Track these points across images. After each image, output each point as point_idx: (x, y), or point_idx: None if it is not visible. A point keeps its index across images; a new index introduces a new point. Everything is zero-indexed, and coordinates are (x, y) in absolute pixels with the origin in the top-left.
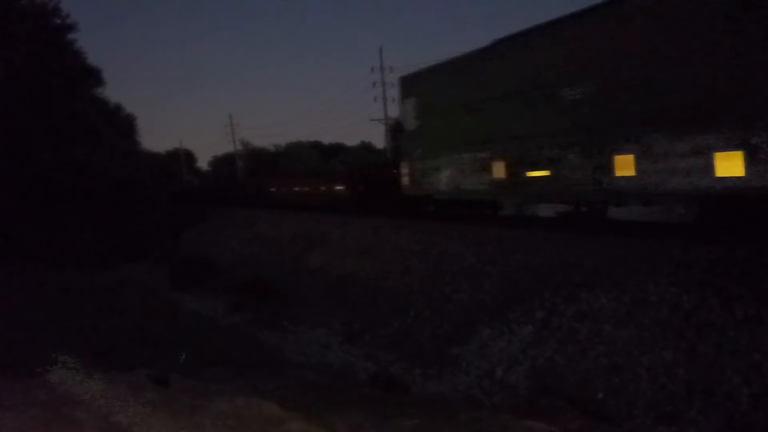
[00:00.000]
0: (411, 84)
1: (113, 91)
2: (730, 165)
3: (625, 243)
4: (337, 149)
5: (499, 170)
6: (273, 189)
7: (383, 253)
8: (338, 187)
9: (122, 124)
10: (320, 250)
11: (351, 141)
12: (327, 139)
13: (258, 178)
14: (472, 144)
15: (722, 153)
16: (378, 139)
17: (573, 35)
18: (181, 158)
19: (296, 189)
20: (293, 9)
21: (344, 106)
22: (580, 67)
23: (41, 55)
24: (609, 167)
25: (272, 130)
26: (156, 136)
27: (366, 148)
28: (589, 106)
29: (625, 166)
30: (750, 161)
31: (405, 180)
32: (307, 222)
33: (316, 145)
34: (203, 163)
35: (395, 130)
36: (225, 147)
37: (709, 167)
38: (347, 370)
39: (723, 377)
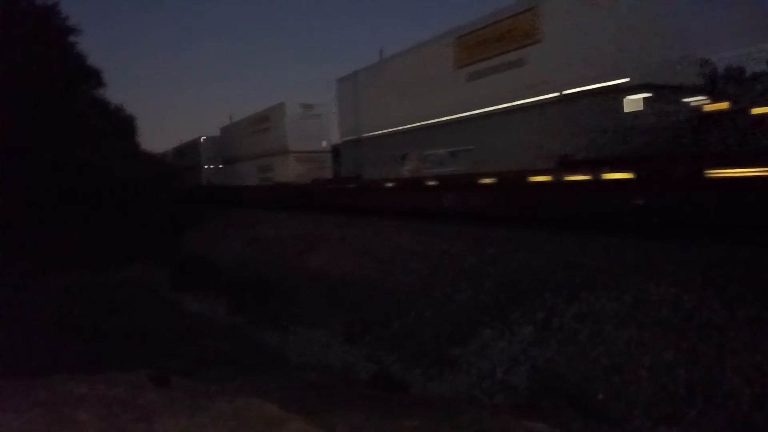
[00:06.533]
0: None
1: (114, 91)
2: None
3: (625, 243)
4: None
5: None
6: None
7: (384, 254)
8: None
9: (123, 125)
10: (321, 250)
11: None
12: None
13: None
14: None
15: None
16: None
17: None
18: None
19: None
20: (293, 9)
21: None
22: None
23: (42, 55)
24: None
25: None
26: (156, 136)
27: None
28: None
29: None
30: None
31: None
32: (308, 222)
33: None
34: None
35: None
36: None
37: None
38: (348, 371)
39: (724, 378)
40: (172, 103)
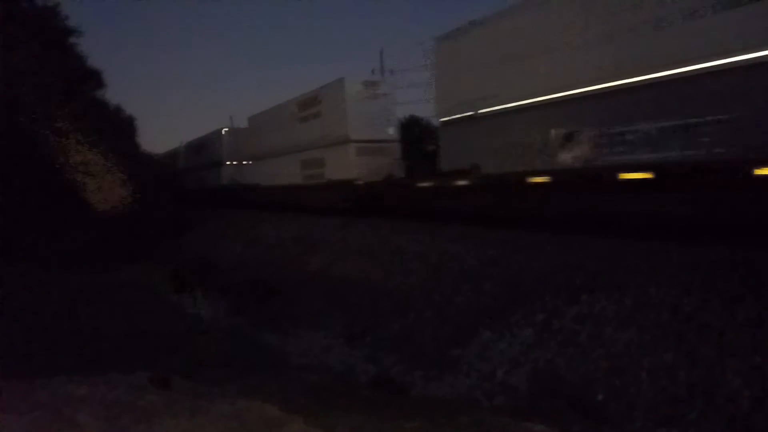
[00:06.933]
0: None
1: (113, 92)
2: None
3: (626, 245)
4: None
5: None
6: None
7: (384, 255)
8: None
9: (122, 126)
10: (321, 251)
11: None
12: None
13: None
14: None
15: None
16: None
17: None
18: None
19: None
20: (294, 10)
21: None
22: None
23: (42, 56)
24: None
25: None
26: (156, 136)
27: None
28: None
29: None
30: None
31: None
32: (309, 223)
33: None
34: None
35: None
36: None
37: None
38: (348, 372)
39: (724, 379)
40: (172, 104)
